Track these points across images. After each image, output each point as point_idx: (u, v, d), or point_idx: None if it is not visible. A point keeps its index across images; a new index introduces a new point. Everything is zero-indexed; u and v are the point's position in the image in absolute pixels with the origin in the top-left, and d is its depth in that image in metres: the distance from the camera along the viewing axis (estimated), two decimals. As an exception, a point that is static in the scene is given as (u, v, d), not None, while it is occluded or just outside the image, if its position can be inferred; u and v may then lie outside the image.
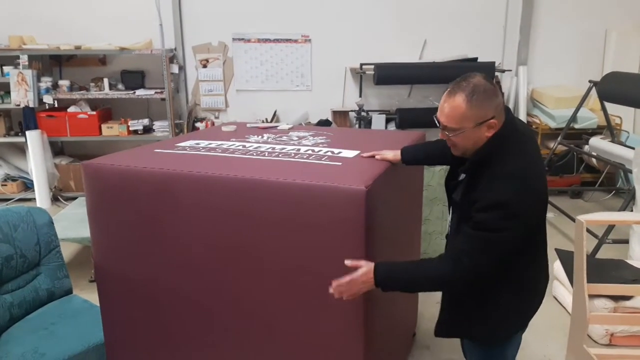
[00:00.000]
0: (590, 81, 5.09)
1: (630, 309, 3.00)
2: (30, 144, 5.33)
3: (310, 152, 2.21)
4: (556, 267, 3.54)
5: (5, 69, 5.47)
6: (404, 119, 5.70)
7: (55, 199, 5.65)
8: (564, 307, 3.43)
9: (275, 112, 6.06)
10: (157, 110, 5.95)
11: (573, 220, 2.87)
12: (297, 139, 2.55)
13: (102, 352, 2.31)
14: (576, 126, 5.58)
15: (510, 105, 6.05)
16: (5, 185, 5.78)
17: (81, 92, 5.74)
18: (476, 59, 5.82)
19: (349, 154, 2.18)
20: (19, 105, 5.44)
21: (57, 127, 5.61)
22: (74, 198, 4.85)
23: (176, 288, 2.06)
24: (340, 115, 6.07)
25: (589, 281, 2.38)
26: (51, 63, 5.92)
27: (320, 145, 2.38)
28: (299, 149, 2.26)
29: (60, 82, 5.69)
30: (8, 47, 5.54)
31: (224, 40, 6.06)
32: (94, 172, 2.08)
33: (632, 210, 4.04)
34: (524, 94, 6.03)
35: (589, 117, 5.67)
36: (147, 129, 5.83)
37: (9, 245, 2.45)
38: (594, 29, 6.08)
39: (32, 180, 5.50)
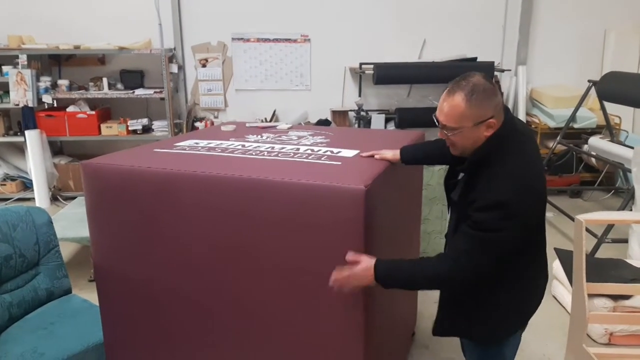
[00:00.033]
0: (589, 81, 5.09)
1: (630, 308, 3.01)
2: (29, 143, 5.32)
3: (309, 151, 2.21)
4: (555, 267, 3.54)
5: (4, 68, 5.46)
6: (403, 118, 5.70)
7: (54, 199, 5.65)
8: (564, 307, 3.44)
9: (274, 111, 6.05)
10: (156, 110, 5.94)
11: (572, 219, 2.87)
12: (296, 138, 2.55)
13: (102, 351, 2.31)
14: (575, 126, 5.59)
15: (510, 105, 6.05)
16: (5, 184, 5.78)
17: (80, 91, 5.74)
18: (475, 58, 5.82)
19: (348, 153, 2.17)
20: (18, 104, 5.44)
21: (56, 126, 5.60)
22: (73, 198, 4.85)
23: (175, 288, 2.06)
24: (340, 115, 6.07)
25: (588, 280, 2.38)
26: (50, 63, 5.92)
27: (320, 144, 2.38)
28: (298, 149, 2.26)
29: (60, 82, 5.68)
30: (7, 47, 5.54)
31: (223, 39, 6.05)
32: (93, 172, 2.08)
33: (631, 210, 4.05)
34: (523, 93, 6.04)
35: (588, 116, 5.67)
36: (146, 129, 5.83)
37: (8, 244, 2.44)
38: (593, 29, 6.09)
39: (31, 180, 5.49)
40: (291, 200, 1.77)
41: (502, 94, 5.42)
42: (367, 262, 1.68)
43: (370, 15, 6.01)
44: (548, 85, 6.10)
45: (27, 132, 5.32)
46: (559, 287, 3.55)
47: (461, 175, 1.74)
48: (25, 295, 2.52)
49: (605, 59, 6.11)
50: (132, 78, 5.86)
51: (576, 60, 6.17)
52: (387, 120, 5.84)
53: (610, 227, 4.04)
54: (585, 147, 5.21)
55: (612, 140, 5.04)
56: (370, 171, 1.87)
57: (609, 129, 5.26)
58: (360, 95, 5.93)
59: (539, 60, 6.18)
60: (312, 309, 1.86)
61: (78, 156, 5.98)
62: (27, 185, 5.84)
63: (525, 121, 5.84)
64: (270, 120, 5.87)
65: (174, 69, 5.90)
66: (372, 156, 2.12)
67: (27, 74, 5.40)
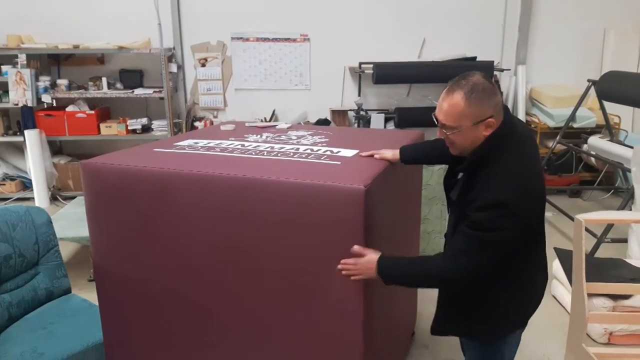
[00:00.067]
0: (589, 80, 5.09)
1: (629, 307, 3.01)
2: (28, 143, 5.31)
3: (309, 151, 2.21)
4: (555, 266, 3.54)
5: (4, 68, 5.45)
6: (403, 118, 5.70)
7: (53, 198, 5.64)
8: (563, 306, 3.44)
9: (274, 111, 6.05)
10: (155, 110, 5.94)
11: (572, 219, 2.87)
12: (295, 138, 2.55)
13: (101, 351, 2.31)
14: (575, 125, 5.59)
15: (509, 105, 6.05)
16: (4, 184, 5.77)
17: (79, 91, 5.73)
18: (475, 58, 5.82)
19: (348, 153, 2.17)
20: (17, 104, 5.43)
21: (55, 126, 5.60)
22: (73, 197, 4.85)
23: (175, 287, 2.06)
24: (339, 115, 6.07)
25: (587, 280, 2.38)
26: (49, 62, 5.92)
27: (319, 144, 2.37)
28: (297, 148, 2.26)
29: (59, 81, 5.67)
30: (6, 47, 5.53)
31: (222, 39, 6.05)
32: (93, 172, 2.08)
33: (630, 209, 4.05)
34: (523, 93, 6.04)
35: (588, 116, 5.67)
36: (146, 128, 5.82)
37: (8, 244, 2.44)
38: (593, 29, 6.08)
39: (30, 180, 5.49)
40: (290, 200, 1.77)
41: (501, 93, 5.42)
42: (371, 256, 1.71)
43: (369, 15, 6.01)
44: (547, 85, 6.10)
45: (26, 132, 5.31)
46: (558, 286, 3.55)
47: (460, 175, 1.74)
48: (25, 295, 2.52)
49: (604, 58, 6.11)
50: (132, 77, 5.86)
51: (576, 59, 6.17)
52: (386, 120, 5.84)
53: (609, 226, 4.05)
54: (585, 147, 5.21)
55: (611, 140, 5.04)
56: (369, 171, 1.87)
57: (609, 129, 5.26)
58: (359, 95, 5.93)
59: (538, 59, 6.18)
60: (311, 309, 1.86)
61: (77, 156, 5.97)
62: (26, 185, 5.84)
63: (524, 121, 5.85)
64: (270, 120, 5.86)
65: (173, 68, 5.90)
66: (372, 156, 2.12)
67: (27, 73, 5.40)
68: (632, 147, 4.14)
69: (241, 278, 1.93)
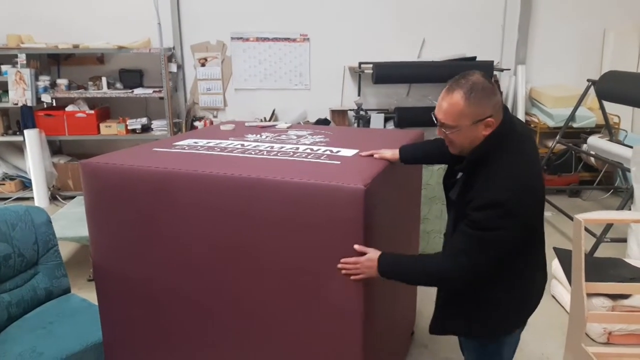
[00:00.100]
0: (588, 80, 5.09)
1: (628, 307, 3.01)
2: (28, 142, 5.31)
3: (308, 151, 2.21)
4: (554, 266, 3.55)
5: (3, 67, 5.45)
6: (403, 117, 5.70)
7: (53, 198, 5.64)
8: (562, 306, 3.44)
9: (273, 111, 6.05)
10: (155, 109, 5.94)
11: (571, 219, 2.87)
12: (295, 138, 2.55)
13: (100, 351, 2.31)
14: (574, 125, 5.59)
15: (509, 104, 6.05)
16: (4, 184, 5.77)
17: (79, 91, 5.73)
18: (475, 58, 5.82)
19: (348, 153, 2.17)
20: (17, 104, 5.43)
21: (55, 126, 5.60)
22: (72, 197, 4.85)
23: (175, 287, 2.06)
24: (339, 114, 6.07)
25: (587, 280, 2.39)
26: (49, 62, 5.92)
27: (319, 144, 2.37)
28: (297, 148, 2.26)
29: (59, 81, 5.68)
30: (6, 46, 5.53)
31: (222, 39, 6.05)
32: (92, 171, 2.08)
33: (630, 209, 4.05)
34: (523, 93, 6.04)
35: (588, 116, 5.68)
36: (146, 128, 5.82)
37: (7, 244, 2.44)
38: (592, 29, 6.09)
39: (30, 179, 5.49)
40: (290, 200, 1.77)
41: (501, 93, 5.41)
42: (372, 255, 1.71)
43: (369, 15, 6.01)
44: (547, 85, 6.11)
45: (26, 132, 5.32)
46: (558, 286, 3.55)
47: (460, 174, 1.74)
48: (24, 295, 2.52)
49: (604, 58, 6.11)
50: (131, 77, 5.86)
51: (575, 59, 6.18)
52: (386, 120, 5.84)
53: (609, 226, 4.05)
54: (585, 147, 5.21)
55: (611, 140, 5.05)
56: (369, 170, 1.87)
57: (608, 129, 5.26)
58: (359, 95, 5.93)
59: (538, 59, 6.18)
60: (311, 309, 1.86)
61: (77, 155, 5.97)
62: (26, 184, 5.84)
63: (524, 120, 5.85)
64: (270, 120, 5.86)
65: (173, 68, 5.89)
66: (372, 155, 2.12)
67: (26, 73, 5.40)
68: (631, 147, 4.14)
69: (241, 278, 1.93)
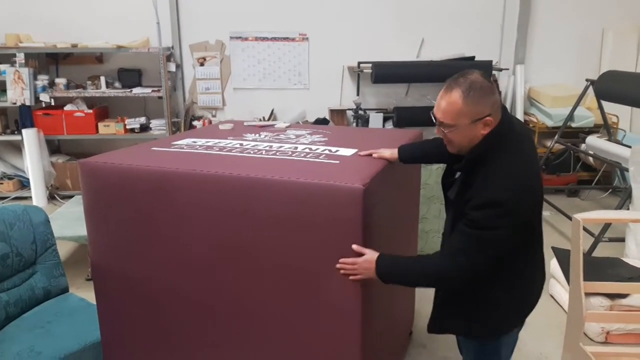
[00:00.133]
0: (587, 80, 5.09)
1: (626, 307, 3.01)
2: (26, 142, 5.31)
3: (307, 150, 2.21)
4: (553, 266, 3.55)
5: (2, 67, 5.44)
6: (402, 117, 5.70)
7: (51, 198, 5.64)
8: (561, 305, 3.44)
9: (272, 110, 6.05)
10: (154, 109, 5.93)
11: (569, 218, 2.87)
12: (294, 137, 2.55)
13: (99, 350, 2.31)
14: (573, 125, 5.59)
15: (508, 104, 6.06)
16: (2, 183, 5.76)
17: (78, 90, 5.73)
18: (473, 57, 5.83)
19: (347, 152, 2.17)
20: (15, 103, 5.42)
21: (53, 125, 5.59)
22: (71, 196, 4.84)
23: (172, 286, 2.06)
24: (338, 114, 6.07)
25: (585, 279, 2.39)
26: (48, 61, 5.91)
27: (318, 143, 2.37)
28: (296, 147, 2.26)
29: (57, 80, 5.67)
30: (4, 46, 5.52)
31: (221, 38, 6.05)
32: (91, 171, 2.08)
33: (628, 209, 4.05)
34: (521, 92, 6.04)
35: (586, 115, 5.68)
36: (144, 128, 5.82)
37: (5, 243, 2.44)
38: (591, 29, 6.09)
39: (28, 179, 5.49)
40: (289, 199, 1.77)
41: (500, 93, 5.43)
42: (370, 256, 1.71)
43: (368, 14, 6.01)
44: (546, 85, 6.11)
45: (24, 131, 5.31)
46: (556, 285, 3.55)
47: (458, 174, 1.74)
48: (22, 294, 2.51)
49: (603, 58, 6.12)
50: (130, 77, 5.85)
51: (574, 59, 6.18)
52: (385, 119, 5.84)
53: (607, 226, 4.05)
54: (583, 146, 5.22)
55: (609, 139, 5.05)
56: (368, 170, 1.87)
57: (607, 128, 5.27)
58: (358, 94, 5.93)
59: (537, 59, 6.18)
60: (310, 308, 1.85)
61: (75, 155, 5.96)
62: (24, 184, 5.83)
63: (523, 120, 5.85)
64: (268, 119, 5.86)
65: (172, 67, 5.89)
66: (370, 155, 2.12)
67: (25, 72, 5.39)
68: (630, 147, 4.15)
69: (239, 277, 1.93)
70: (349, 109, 5.99)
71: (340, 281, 1.76)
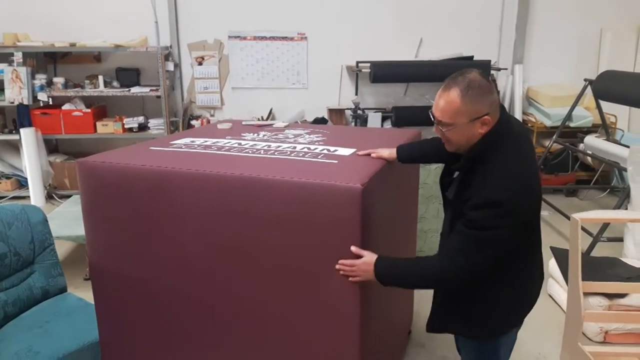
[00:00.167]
0: (585, 80, 5.10)
1: (625, 306, 3.02)
2: (24, 141, 5.30)
3: (306, 150, 2.20)
4: (551, 265, 3.55)
5: (0, 66, 5.43)
6: (400, 117, 5.70)
7: (49, 197, 5.63)
8: (559, 305, 3.45)
9: (271, 110, 6.05)
10: (152, 108, 5.92)
11: (568, 218, 2.87)
12: (293, 137, 2.55)
13: (97, 350, 2.30)
14: (571, 125, 5.60)
15: (506, 104, 6.06)
16: (0, 183, 5.75)
17: (76, 89, 5.71)
18: (472, 57, 5.83)
19: (345, 152, 2.17)
20: (13, 102, 5.41)
21: (51, 124, 5.58)
22: (69, 196, 4.84)
23: (171, 286, 2.05)
24: (336, 113, 6.07)
25: (583, 279, 2.39)
26: (46, 60, 5.90)
27: (316, 143, 2.37)
28: (294, 147, 2.25)
29: (55, 80, 5.66)
30: (2, 45, 5.51)
31: (219, 37, 6.04)
32: (89, 170, 2.07)
33: (626, 209, 4.06)
34: (520, 92, 6.04)
35: (584, 115, 5.69)
36: (142, 127, 5.81)
37: (3, 243, 2.43)
38: (589, 29, 6.10)
39: (26, 178, 5.48)
40: (287, 199, 1.77)
41: (498, 92, 5.43)
42: (368, 258, 1.71)
43: (367, 14, 6.01)
44: (544, 84, 6.12)
45: (22, 130, 5.30)
46: (554, 285, 3.56)
47: (457, 173, 1.74)
48: (21, 294, 2.51)
49: (601, 58, 6.12)
50: (128, 76, 5.84)
51: (572, 59, 6.19)
52: (383, 119, 5.84)
53: (605, 225, 4.06)
54: (581, 146, 5.22)
55: (607, 139, 5.05)
56: (366, 170, 1.86)
57: (605, 128, 5.27)
58: (357, 94, 5.93)
59: (535, 59, 6.19)
60: (309, 308, 1.85)
61: (74, 154, 5.96)
62: (22, 183, 5.81)
63: (521, 120, 5.86)
64: (267, 119, 5.86)
65: (170, 66, 5.88)
66: (369, 155, 2.12)
67: (23, 71, 5.38)
68: (628, 147, 4.15)
69: (237, 277, 1.93)
70: (347, 109, 5.99)
71: (339, 281, 1.76)
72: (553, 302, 3.53)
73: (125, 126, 5.71)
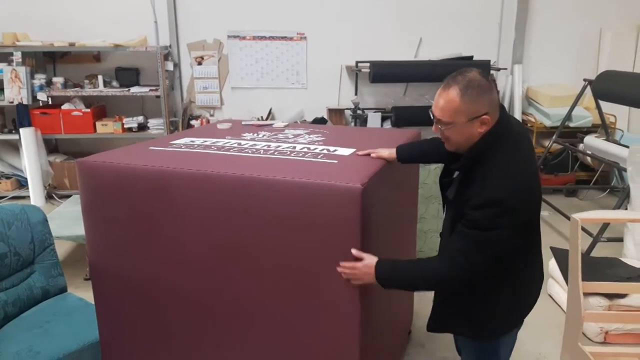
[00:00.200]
0: (585, 80, 5.10)
1: (625, 307, 3.02)
2: (24, 141, 5.30)
3: (305, 150, 2.20)
4: (551, 266, 3.55)
5: (-1, 65, 5.44)
6: (400, 117, 5.70)
7: (49, 197, 5.63)
8: (559, 305, 3.45)
9: (270, 109, 6.04)
10: (151, 108, 5.92)
11: (568, 218, 2.87)
12: (292, 136, 2.55)
13: (97, 350, 2.30)
14: (571, 125, 5.60)
15: (506, 104, 6.06)
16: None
17: (75, 89, 5.71)
18: (472, 57, 5.83)
19: (345, 152, 2.17)
20: (12, 102, 5.41)
21: (51, 124, 5.58)
22: (69, 196, 4.83)
23: (172, 286, 2.05)
24: (336, 113, 6.07)
25: (583, 279, 2.39)
26: (45, 60, 5.89)
27: (316, 143, 2.37)
28: (294, 147, 2.25)
29: (54, 79, 5.65)
30: (1, 44, 5.51)
31: (219, 37, 6.04)
32: (89, 170, 2.07)
33: (626, 209, 4.06)
34: (519, 92, 6.05)
35: (584, 115, 5.69)
36: (142, 127, 5.80)
37: (3, 243, 2.43)
38: (589, 29, 6.10)
39: (26, 178, 5.47)
40: (287, 199, 1.77)
41: (498, 92, 5.43)
42: (369, 261, 1.70)
43: (366, 14, 6.01)
44: (544, 84, 6.12)
45: (21, 130, 5.30)
46: (554, 285, 3.56)
47: (456, 173, 1.74)
48: (21, 294, 2.51)
49: (601, 58, 6.12)
50: (128, 76, 5.84)
51: (572, 59, 6.19)
52: (383, 119, 5.84)
53: (605, 225, 4.06)
54: (581, 146, 5.22)
55: (607, 139, 5.06)
56: (366, 170, 1.86)
57: (605, 128, 5.27)
58: (356, 94, 5.93)
59: (535, 59, 6.19)
60: (309, 308, 1.85)
61: (73, 154, 5.95)
62: (22, 183, 5.81)
63: (521, 120, 5.86)
64: (267, 119, 5.86)
65: (170, 66, 5.88)
66: (369, 155, 2.12)
67: (22, 71, 5.37)
68: (627, 147, 4.15)
69: (237, 276, 1.92)
70: (347, 109, 5.99)
71: (339, 281, 1.76)
72: (553, 302, 3.53)
73: (125, 126, 5.71)
